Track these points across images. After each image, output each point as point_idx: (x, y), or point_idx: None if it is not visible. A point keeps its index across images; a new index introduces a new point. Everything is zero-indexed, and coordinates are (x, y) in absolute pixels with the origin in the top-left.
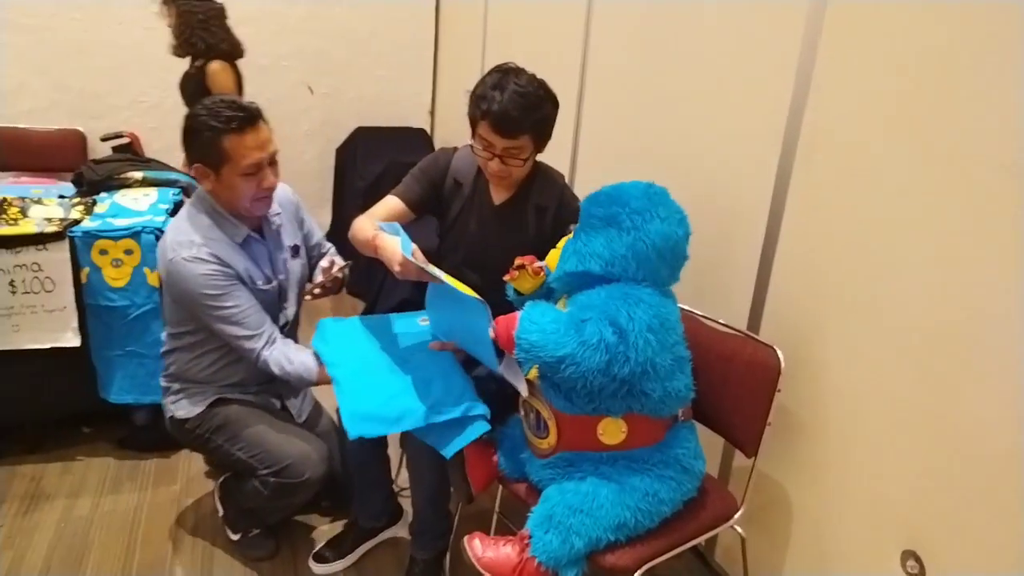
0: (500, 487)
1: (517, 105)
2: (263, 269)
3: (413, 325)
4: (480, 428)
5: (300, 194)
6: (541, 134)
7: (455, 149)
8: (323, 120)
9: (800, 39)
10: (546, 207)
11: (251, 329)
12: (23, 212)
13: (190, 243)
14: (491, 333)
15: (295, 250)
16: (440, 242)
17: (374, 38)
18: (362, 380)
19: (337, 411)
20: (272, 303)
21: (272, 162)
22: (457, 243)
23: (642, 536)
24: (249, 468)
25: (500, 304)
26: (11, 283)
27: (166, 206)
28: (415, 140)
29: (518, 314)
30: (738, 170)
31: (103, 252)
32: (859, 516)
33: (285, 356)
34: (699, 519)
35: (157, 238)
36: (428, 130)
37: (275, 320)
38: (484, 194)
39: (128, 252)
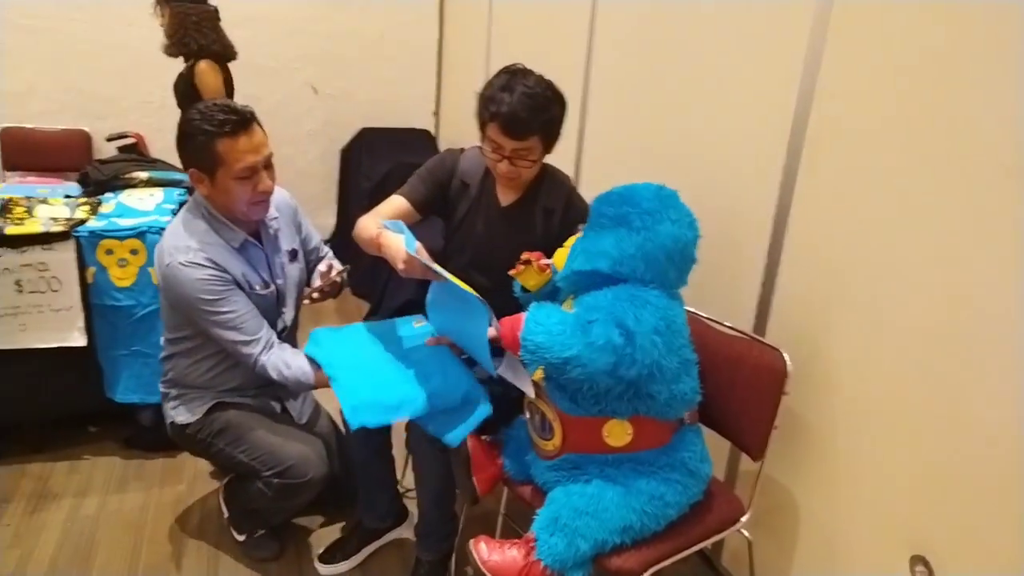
0: (505, 489)
1: (526, 107)
2: (261, 274)
3: (409, 327)
4: (483, 412)
5: (304, 195)
6: (550, 135)
7: (462, 150)
8: (327, 121)
9: (806, 41)
10: (554, 209)
11: (248, 334)
12: (29, 212)
13: (186, 248)
14: (492, 333)
15: (293, 254)
16: (446, 243)
17: (380, 40)
18: (360, 373)
19: (339, 411)
20: (270, 308)
21: (268, 166)
22: (464, 244)
23: (648, 539)
24: (252, 471)
25: (508, 306)
26: (17, 282)
27: (171, 206)
28: (420, 141)
29: (523, 315)
30: (743, 172)
31: (109, 252)
32: (867, 520)
33: (283, 361)
34: (705, 522)
35: None
36: (432, 131)
37: (273, 325)
38: (491, 195)
39: (134, 252)
